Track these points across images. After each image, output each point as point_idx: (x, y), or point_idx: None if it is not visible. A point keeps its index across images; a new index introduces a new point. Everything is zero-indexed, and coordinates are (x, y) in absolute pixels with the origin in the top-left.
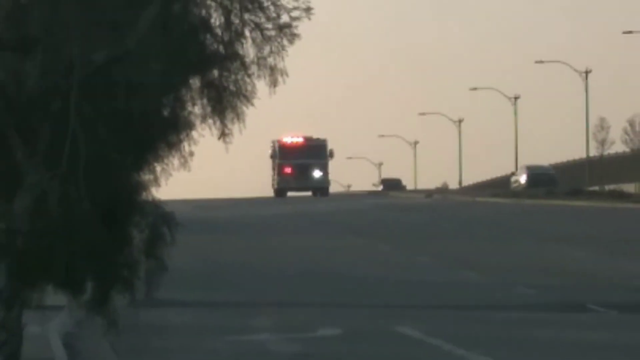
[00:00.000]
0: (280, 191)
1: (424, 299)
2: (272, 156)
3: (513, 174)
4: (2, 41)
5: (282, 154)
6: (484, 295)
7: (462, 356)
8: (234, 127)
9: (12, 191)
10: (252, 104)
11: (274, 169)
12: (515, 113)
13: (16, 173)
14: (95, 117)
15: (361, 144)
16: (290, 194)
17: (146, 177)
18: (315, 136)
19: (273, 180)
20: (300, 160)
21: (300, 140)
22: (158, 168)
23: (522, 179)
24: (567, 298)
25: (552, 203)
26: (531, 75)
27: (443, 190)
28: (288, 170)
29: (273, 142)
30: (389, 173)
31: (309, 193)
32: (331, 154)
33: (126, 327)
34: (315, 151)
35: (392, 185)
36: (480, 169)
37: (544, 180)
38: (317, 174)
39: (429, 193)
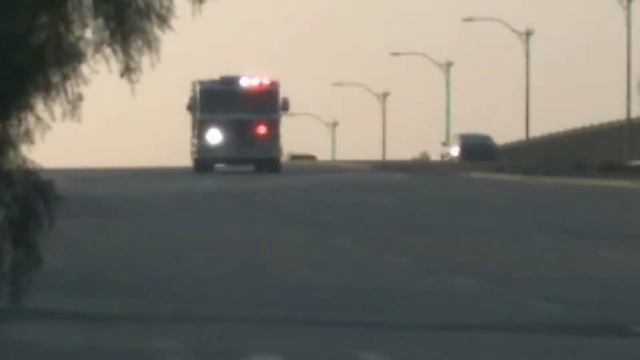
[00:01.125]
0: (201, 163)
1: (399, 314)
2: (191, 107)
3: (444, 144)
4: None
5: (207, 104)
6: (482, 311)
7: None
8: (143, 60)
9: None
10: (169, 27)
11: (193, 127)
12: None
13: None
14: None
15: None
16: (218, 167)
17: (12, 131)
18: (257, 76)
19: (192, 145)
20: (236, 115)
21: (236, 82)
22: (30, 118)
23: (454, 150)
24: (602, 316)
25: (577, 182)
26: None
27: (422, 162)
28: (215, 130)
29: (193, 84)
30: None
31: (249, 167)
32: (285, 105)
33: None
34: (260, 101)
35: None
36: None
37: (479, 152)
38: (262, 137)
39: (403, 166)
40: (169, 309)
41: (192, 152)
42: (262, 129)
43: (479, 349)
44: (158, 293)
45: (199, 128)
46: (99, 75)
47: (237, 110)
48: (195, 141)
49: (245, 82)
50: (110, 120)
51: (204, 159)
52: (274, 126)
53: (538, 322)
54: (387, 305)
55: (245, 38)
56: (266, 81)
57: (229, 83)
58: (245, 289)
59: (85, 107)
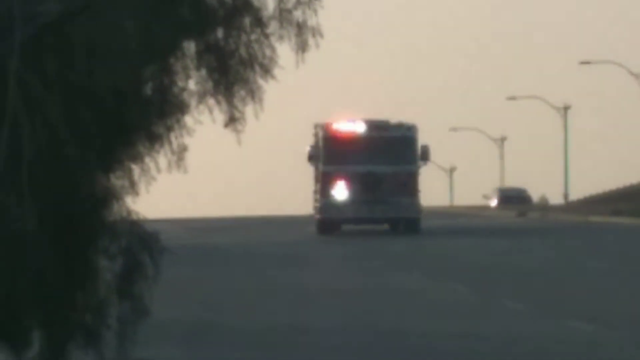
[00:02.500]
0: (326, 224)
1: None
2: (313, 157)
3: (485, 197)
4: None
5: (332, 152)
6: (601, 356)
7: None
8: (247, 110)
9: None
10: (273, 77)
11: (316, 181)
12: None
13: None
14: (45, 94)
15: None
16: (347, 227)
17: (118, 182)
18: (391, 120)
19: (315, 201)
20: (367, 167)
21: (367, 127)
22: (136, 169)
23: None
24: None
25: None
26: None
27: (541, 206)
28: (342, 184)
29: (316, 128)
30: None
31: (383, 226)
32: (424, 155)
33: None
34: (396, 149)
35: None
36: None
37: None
38: (400, 193)
39: (521, 210)
40: (281, 358)
41: (315, 211)
42: (398, 183)
43: None
44: (271, 342)
45: (323, 182)
46: (202, 125)
47: (368, 160)
48: (318, 197)
49: (377, 127)
50: (217, 172)
51: (329, 219)
52: (412, 179)
53: None
54: (507, 352)
55: (354, 84)
56: (403, 126)
57: (358, 128)
58: (359, 338)
59: (191, 158)
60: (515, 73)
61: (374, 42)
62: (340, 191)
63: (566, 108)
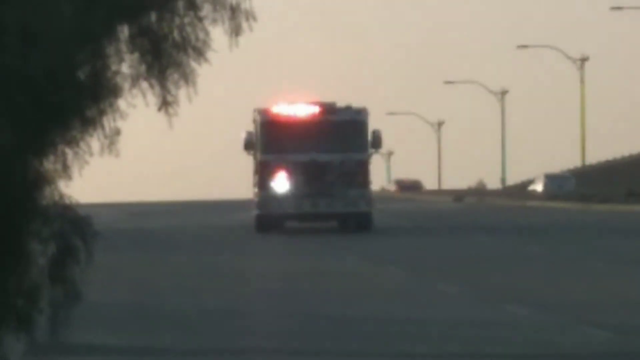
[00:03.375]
0: (265, 220)
1: (447, 345)
2: (249, 145)
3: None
4: None
5: (271, 139)
6: (536, 339)
7: None
8: (181, 93)
9: None
10: (206, 60)
11: (254, 172)
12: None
13: None
14: None
15: None
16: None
17: (51, 166)
18: (336, 102)
19: (254, 195)
20: (311, 155)
21: (311, 110)
22: (69, 153)
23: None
24: None
25: (631, 209)
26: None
27: (478, 191)
28: (283, 175)
29: (255, 113)
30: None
31: (330, 224)
32: (376, 141)
33: None
34: (343, 135)
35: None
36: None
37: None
38: (348, 184)
39: (458, 195)
40: (218, 343)
41: (254, 206)
42: (347, 174)
43: None
44: (211, 328)
45: (261, 173)
46: (135, 108)
47: (312, 148)
48: (258, 190)
49: (323, 111)
50: (150, 155)
51: (269, 215)
52: (362, 169)
53: (591, 350)
54: (427, 335)
55: (290, 68)
56: (351, 109)
57: (301, 112)
58: (292, 322)
59: (124, 141)
60: (452, 57)
61: (309, 26)
62: (281, 183)
63: (503, 93)
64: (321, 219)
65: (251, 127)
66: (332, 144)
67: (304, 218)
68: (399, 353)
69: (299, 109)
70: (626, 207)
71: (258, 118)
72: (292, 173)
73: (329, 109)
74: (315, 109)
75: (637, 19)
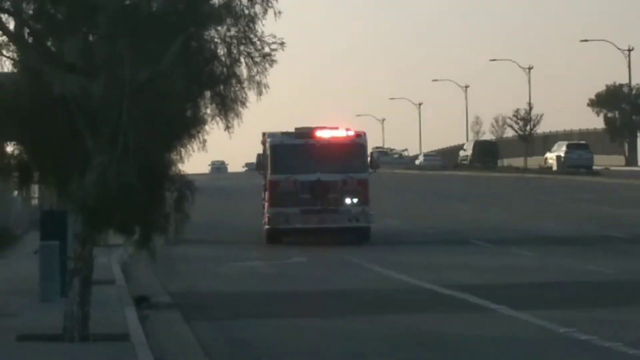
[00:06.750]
0: (274, 234)
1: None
2: (260, 165)
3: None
4: (76, 68)
5: (280, 161)
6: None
7: (400, 279)
8: (235, 123)
9: (84, 169)
10: (246, 107)
11: (264, 190)
12: None
13: (87, 157)
14: (140, 118)
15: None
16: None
17: (175, 157)
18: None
19: (264, 210)
20: (316, 175)
21: (315, 135)
22: (182, 151)
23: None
24: (458, 236)
25: (442, 174)
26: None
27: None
28: (291, 193)
29: (263, 137)
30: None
31: (334, 236)
32: (374, 162)
33: (162, 258)
34: (346, 156)
35: None
36: None
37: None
38: (348, 200)
39: None
40: (252, 238)
41: (263, 221)
42: (349, 192)
43: (397, 252)
44: (246, 231)
45: (271, 191)
46: (213, 129)
47: (317, 168)
48: (266, 206)
49: (326, 135)
50: (221, 152)
51: (277, 230)
52: (363, 188)
53: (427, 239)
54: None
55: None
56: (353, 132)
57: (307, 136)
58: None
59: (208, 145)
60: None
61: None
62: (289, 200)
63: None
64: (324, 233)
65: (260, 150)
66: (335, 165)
67: (310, 233)
68: None
69: (305, 133)
70: (439, 173)
71: (267, 141)
72: (299, 191)
73: (332, 132)
74: (320, 133)
75: None
